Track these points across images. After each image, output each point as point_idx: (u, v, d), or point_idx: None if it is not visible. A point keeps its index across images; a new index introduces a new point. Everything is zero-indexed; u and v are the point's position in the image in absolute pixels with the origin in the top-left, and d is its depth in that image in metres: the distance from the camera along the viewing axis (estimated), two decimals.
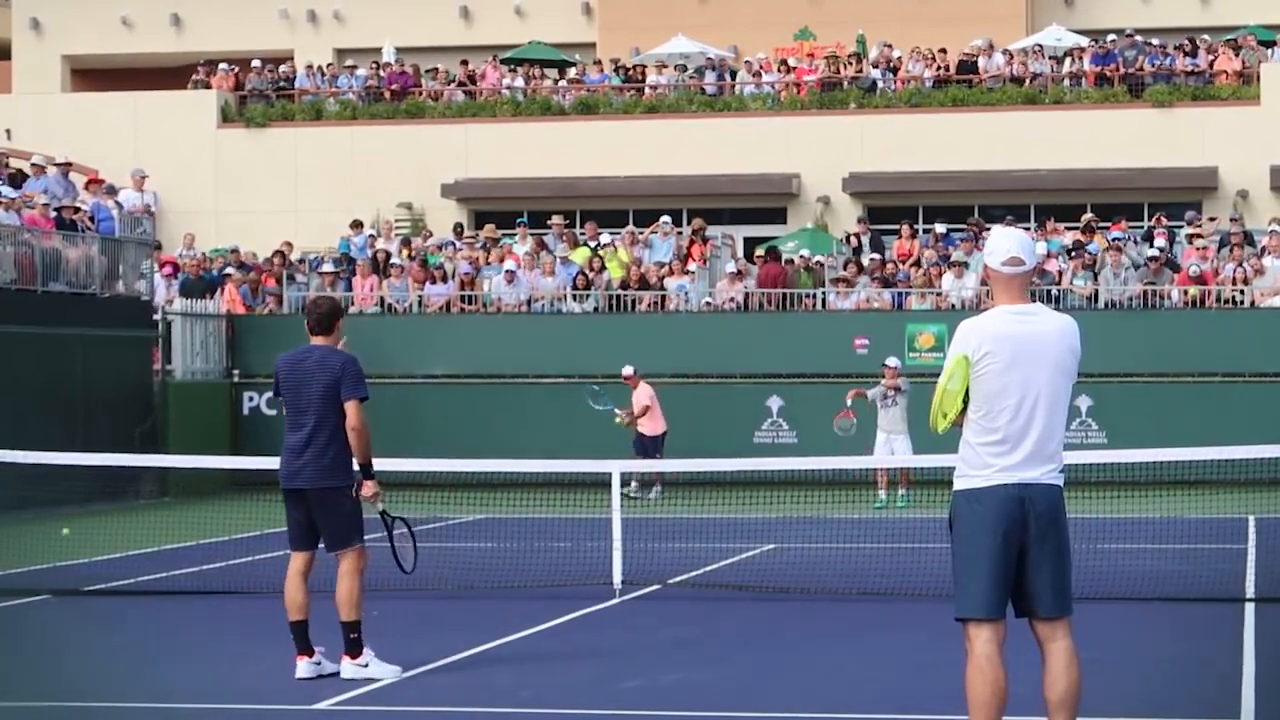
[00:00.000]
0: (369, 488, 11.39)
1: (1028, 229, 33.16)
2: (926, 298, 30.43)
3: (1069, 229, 33.35)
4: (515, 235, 33.88)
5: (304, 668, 11.42)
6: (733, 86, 39.07)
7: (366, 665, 11.34)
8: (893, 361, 25.92)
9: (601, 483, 17.71)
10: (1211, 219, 34.34)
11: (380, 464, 20.54)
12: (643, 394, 27.77)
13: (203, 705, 10.76)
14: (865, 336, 29.58)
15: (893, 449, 25.33)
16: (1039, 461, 7.80)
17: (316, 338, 11.52)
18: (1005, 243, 7.96)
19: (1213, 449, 18.28)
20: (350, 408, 11.27)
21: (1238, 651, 12.19)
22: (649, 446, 27.36)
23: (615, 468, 16.29)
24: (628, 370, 27.93)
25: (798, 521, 22.09)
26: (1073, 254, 31.14)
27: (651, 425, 27.58)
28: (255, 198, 38.85)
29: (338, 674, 11.39)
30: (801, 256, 32.13)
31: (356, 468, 11.46)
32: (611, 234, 33.99)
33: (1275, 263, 30.08)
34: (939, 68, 38.48)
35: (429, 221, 38.04)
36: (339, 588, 11.32)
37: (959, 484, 7.91)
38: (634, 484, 26.99)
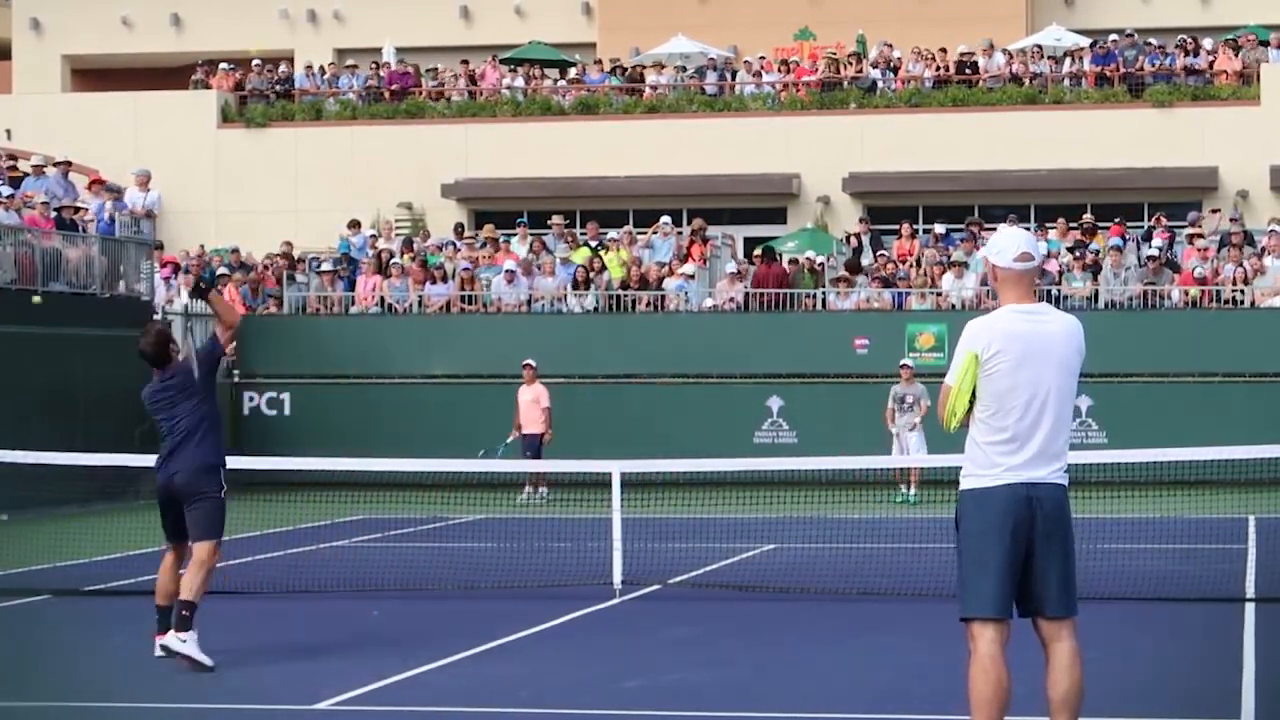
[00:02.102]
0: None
1: (1028, 229, 33.13)
2: (926, 298, 30.44)
3: (1069, 229, 33.34)
4: (515, 235, 33.88)
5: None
6: (733, 86, 39.06)
7: (185, 642, 11.84)
8: (905, 361, 26.46)
9: (602, 483, 17.71)
10: (1215, 210, 34.38)
11: (381, 464, 20.66)
12: (541, 393, 27.61)
13: (203, 705, 10.76)
14: (865, 336, 29.59)
15: (906, 448, 25.66)
16: (1046, 460, 7.80)
17: (161, 370, 12.40)
18: (1012, 240, 7.98)
19: (1213, 449, 18.27)
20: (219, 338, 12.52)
21: (1238, 651, 12.19)
22: (532, 446, 27.20)
23: (615, 468, 16.29)
24: (531, 361, 27.77)
25: (798, 521, 22.08)
26: (1075, 254, 31.12)
27: (540, 425, 27.45)
28: (255, 198, 38.84)
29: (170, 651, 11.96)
30: (807, 258, 32.11)
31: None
32: (613, 236, 33.97)
33: (1275, 263, 30.08)
34: (939, 68, 38.47)
35: (429, 221, 38.04)
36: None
37: (966, 483, 7.90)
38: (529, 490, 26.95)
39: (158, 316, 29.53)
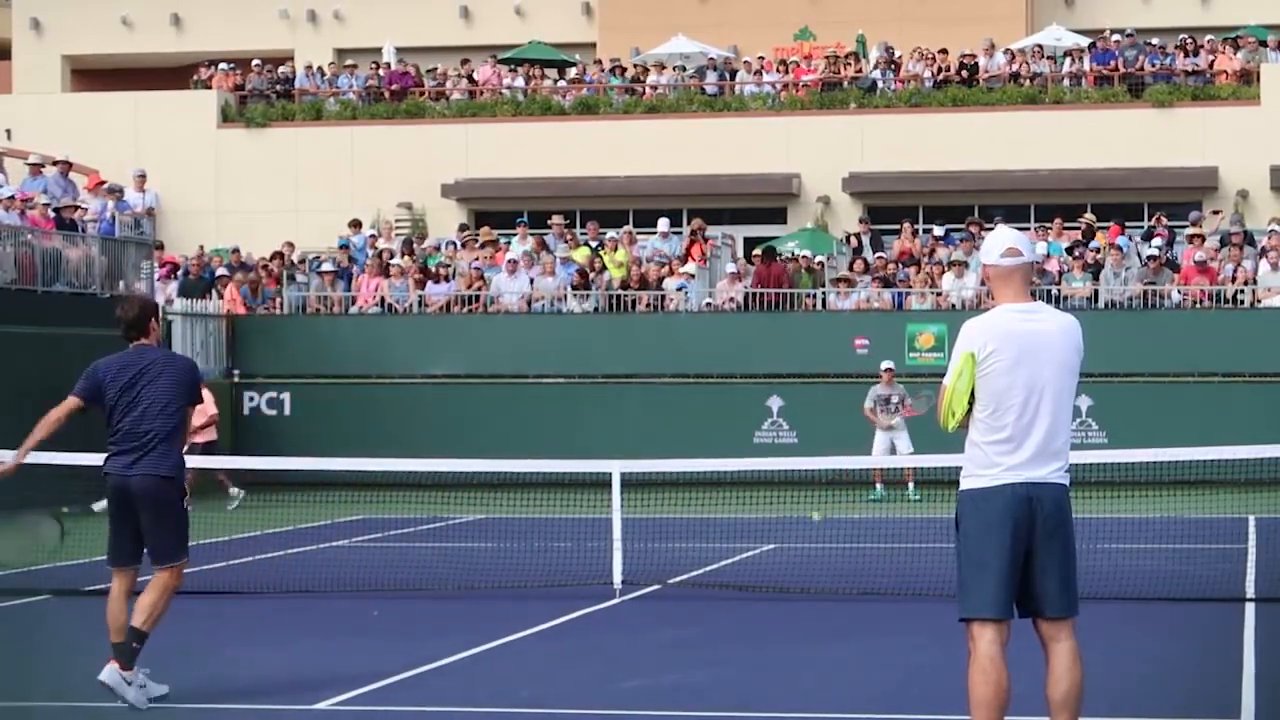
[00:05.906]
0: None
1: (1027, 229, 33.18)
2: (926, 298, 30.45)
3: (1069, 229, 33.35)
4: (515, 235, 33.89)
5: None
6: (733, 86, 39.06)
7: (130, 684, 10.57)
8: (887, 363, 26.63)
9: (601, 483, 17.71)
10: (1216, 211, 34.36)
11: (382, 464, 20.66)
12: (207, 400, 27.30)
13: (203, 705, 10.76)
14: (865, 336, 29.60)
15: (895, 446, 25.76)
16: (1046, 459, 7.79)
17: (138, 340, 11.03)
18: (999, 237, 7.99)
19: (1213, 449, 18.29)
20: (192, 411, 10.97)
21: (1238, 651, 12.19)
22: (209, 451, 26.85)
23: (615, 468, 16.29)
24: None
25: (798, 521, 22.08)
26: (1074, 254, 31.12)
27: (210, 433, 27.11)
28: (255, 198, 38.84)
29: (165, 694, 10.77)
30: (804, 256, 32.11)
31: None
32: (613, 236, 33.97)
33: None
34: (939, 68, 38.47)
35: (429, 221, 38.03)
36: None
37: (965, 484, 7.89)
38: (235, 490, 26.58)
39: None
